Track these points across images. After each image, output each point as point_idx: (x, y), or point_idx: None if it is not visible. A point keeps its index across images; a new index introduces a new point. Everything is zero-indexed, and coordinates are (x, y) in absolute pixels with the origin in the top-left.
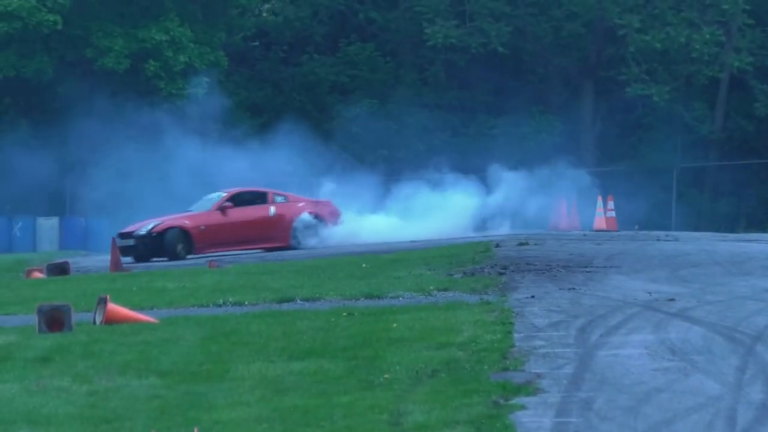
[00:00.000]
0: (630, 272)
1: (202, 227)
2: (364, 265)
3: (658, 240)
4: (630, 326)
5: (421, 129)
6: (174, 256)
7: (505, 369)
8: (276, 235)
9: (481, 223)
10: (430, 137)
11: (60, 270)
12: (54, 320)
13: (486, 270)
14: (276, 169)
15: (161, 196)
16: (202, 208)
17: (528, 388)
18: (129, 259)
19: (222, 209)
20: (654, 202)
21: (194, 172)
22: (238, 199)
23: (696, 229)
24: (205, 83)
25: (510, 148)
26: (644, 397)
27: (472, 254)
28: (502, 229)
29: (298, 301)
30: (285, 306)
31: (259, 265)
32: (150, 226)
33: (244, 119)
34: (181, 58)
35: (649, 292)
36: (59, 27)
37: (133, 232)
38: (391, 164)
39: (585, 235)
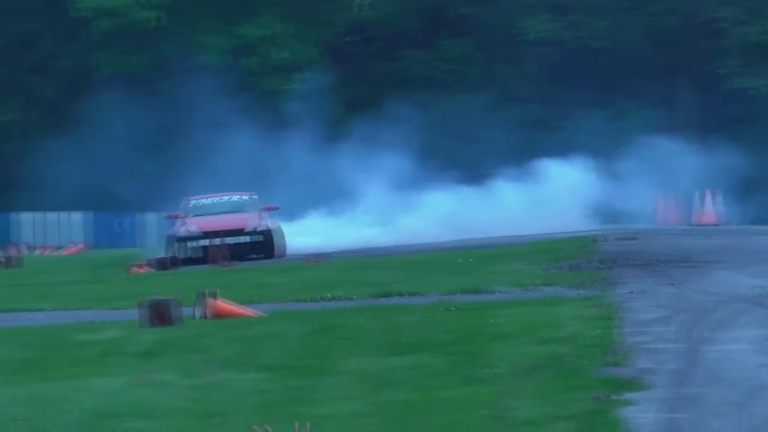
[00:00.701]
0: (734, 267)
1: None
2: (459, 261)
3: (764, 234)
4: (735, 321)
5: (516, 124)
6: (277, 255)
7: (609, 364)
8: None
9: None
10: (524, 132)
11: (164, 265)
12: (159, 315)
13: (587, 265)
14: (375, 167)
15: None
16: (245, 209)
17: (633, 383)
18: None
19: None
20: (757, 196)
21: (291, 168)
22: None
23: None
24: (303, 79)
25: (606, 143)
26: (753, 393)
27: (572, 249)
28: (640, 223)
29: (398, 296)
30: (385, 301)
31: (357, 260)
32: (258, 223)
33: (340, 115)
34: (280, 54)
35: (754, 287)
36: (161, 24)
37: (242, 229)
38: (486, 158)
39: (687, 229)
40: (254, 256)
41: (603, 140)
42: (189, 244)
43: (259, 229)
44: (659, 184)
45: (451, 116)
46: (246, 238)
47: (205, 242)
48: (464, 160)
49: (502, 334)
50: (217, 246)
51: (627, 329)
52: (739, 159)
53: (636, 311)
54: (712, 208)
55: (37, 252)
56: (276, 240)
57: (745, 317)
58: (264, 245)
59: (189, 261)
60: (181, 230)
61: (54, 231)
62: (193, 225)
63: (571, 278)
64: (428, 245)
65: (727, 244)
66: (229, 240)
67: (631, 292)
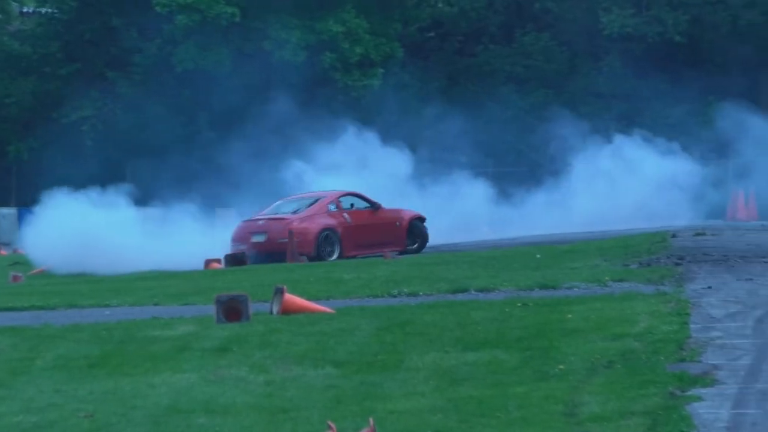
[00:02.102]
0: None
1: None
2: (538, 256)
3: None
4: None
5: (597, 118)
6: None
7: (682, 360)
8: None
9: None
10: (606, 126)
11: (237, 261)
12: (231, 310)
13: (662, 260)
14: (452, 161)
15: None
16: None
17: (705, 379)
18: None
19: None
20: None
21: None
22: None
23: None
24: (381, 74)
25: (686, 138)
26: None
27: (648, 245)
28: (714, 220)
29: (473, 292)
30: (459, 297)
31: (432, 256)
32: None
33: (418, 110)
34: (357, 49)
35: None
36: (237, 19)
37: None
38: (566, 153)
39: (764, 225)
40: None
41: (683, 135)
42: None
43: None
44: (738, 180)
45: (530, 111)
46: None
47: None
48: (543, 155)
49: (576, 329)
50: None
51: (701, 325)
52: None
53: (711, 307)
54: None
55: None
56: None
57: None
58: None
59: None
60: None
61: None
62: None
63: (647, 274)
64: (503, 241)
65: None
66: None
67: (709, 287)
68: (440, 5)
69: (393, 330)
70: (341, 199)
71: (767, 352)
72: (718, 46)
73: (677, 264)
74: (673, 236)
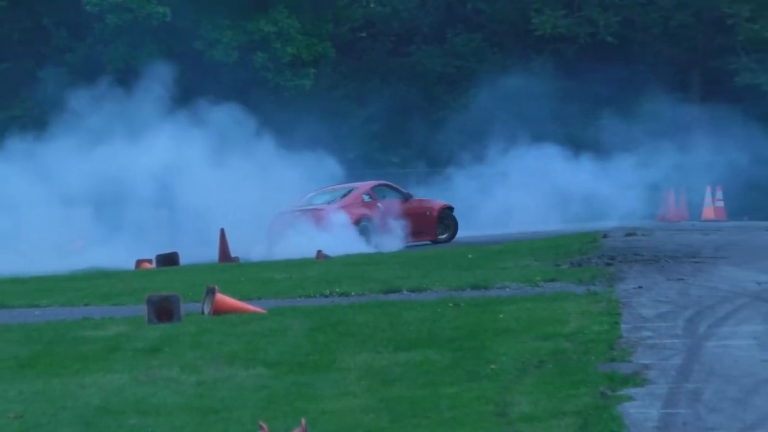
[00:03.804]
0: (739, 263)
1: None
2: (470, 256)
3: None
4: (739, 317)
5: (529, 119)
6: None
7: (613, 360)
8: None
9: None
10: (538, 127)
11: (169, 261)
12: (163, 311)
13: (593, 261)
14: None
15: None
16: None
17: (635, 379)
18: None
19: None
20: (764, 192)
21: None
22: None
23: None
24: (313, 74)
25: (617, 138)
26: (753, 389)
27: (579, 245)
28: (644, 220)
29: (405, 292)
30: (391, 297)
31: (364, 256)
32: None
33: (350, 110)
34: (289, 49)
35: (759, 283)
36: (168, 19)
37: None
38: (501, 154)
39: (693, 225)
40: None
41: (614, 135)
42: None
43: None
44: (668, 181)
45: (461, 112)
46: None
47: None
48: (474, 155)
49: (508, 329)
50: None
51: (631, 325)
52: (745, 154)
53: (641, 307)
54: (712, 205)
55: None
56: None
57: (749, 313)
58: None
59: None
60: None
61: None
62: None
63: (578, 274)
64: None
65: (731, 240)
66: None
67: (640, 287)
68: (372, 5)
69: (325, 330)
70: (374, 189)
71: (697, 352)
72: (649, 46)
73: (608, 264)
74: (604, 236)
